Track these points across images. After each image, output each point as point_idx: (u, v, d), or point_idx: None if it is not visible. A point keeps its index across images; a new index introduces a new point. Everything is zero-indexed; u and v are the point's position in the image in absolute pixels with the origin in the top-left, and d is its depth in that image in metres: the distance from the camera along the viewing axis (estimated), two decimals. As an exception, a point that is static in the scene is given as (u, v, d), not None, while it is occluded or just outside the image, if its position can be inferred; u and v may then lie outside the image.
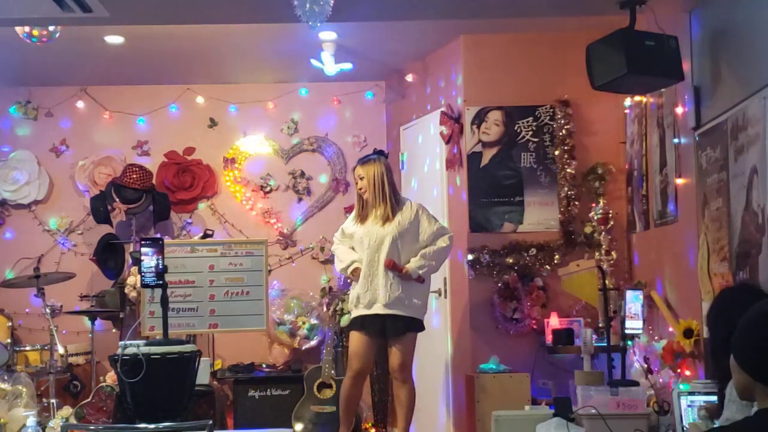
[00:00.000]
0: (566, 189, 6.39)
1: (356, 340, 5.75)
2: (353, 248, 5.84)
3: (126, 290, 6.77)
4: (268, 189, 7.78)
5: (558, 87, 6.45)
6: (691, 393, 4.24)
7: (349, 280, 5.92)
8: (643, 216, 6.00)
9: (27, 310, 7.44)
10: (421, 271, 5.69)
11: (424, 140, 7.15)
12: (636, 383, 5.07)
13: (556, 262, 6.36)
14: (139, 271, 5.04)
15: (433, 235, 5.77)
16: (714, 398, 4.11)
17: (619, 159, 6.48)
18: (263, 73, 7.54)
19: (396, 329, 5.67)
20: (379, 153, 5.97)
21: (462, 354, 6.50)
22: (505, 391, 5.86)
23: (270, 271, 6.58)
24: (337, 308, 6.90)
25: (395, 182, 5.95)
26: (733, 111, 4.50)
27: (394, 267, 5.66)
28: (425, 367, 6.97)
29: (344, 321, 6.71)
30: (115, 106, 7.75)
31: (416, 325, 5.74)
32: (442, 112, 6.74)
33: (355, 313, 5.78)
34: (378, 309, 5.65)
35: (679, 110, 5.28)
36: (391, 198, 5.77)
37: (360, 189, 5.81)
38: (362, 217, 5.82)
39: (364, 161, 5.87)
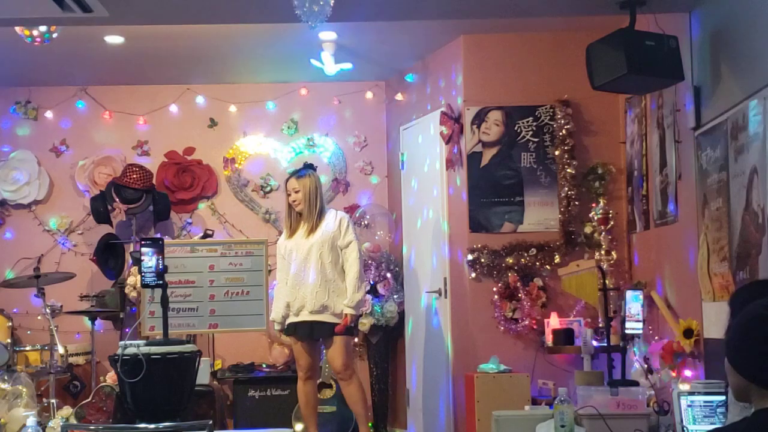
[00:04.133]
0: (566, 189, 6.39)
1: (293, 343, 6.02)
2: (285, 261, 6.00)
3: (126, 290, 6.77)
4: (268, 189, 7.78)
5: (558, 87, 6.45)
6: (691, 393, 4.24)
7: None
8: (643, 216, 6.00)
9: (27, 310, 7.44)
10: (359, 308, 5.93)
11: (424, 140, 7.15)
12: (636, 383, 5.07)
13: (556, 262, 6.36)
14: (139, 271, 5.04)
15: (343, 245, 5.93)
16: (715, 398, 4.12)
17: (619, 159, 6.48)
18: (263, 73, 7.54)
19: (323, 333, 5.90)
20: (310, 167, 6.12)
21: (462, 354, 6.50)
22: (505, 391, 5.86)
23: (270, 271, 6.58)
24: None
25: (323, 196, 6.11)
26: (733, 111, 4.50)
27: (344, 328, 5.86)
28: (425, 367, 6.98)
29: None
30: (115, 106, 7.75)
31: (345, 329, 5.89)
32: (442, 112, 6.74)
33: (288, 320, 5.96)
34: (305, 316, 5.88)
35: (679, 110, 5.28)
36: (320, 211, 5.96)
37: (294, 201, 5.96)
38: (292, 231, 6.00)
39: (299, 175, 6.01)
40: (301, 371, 5.97)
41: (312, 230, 5.90)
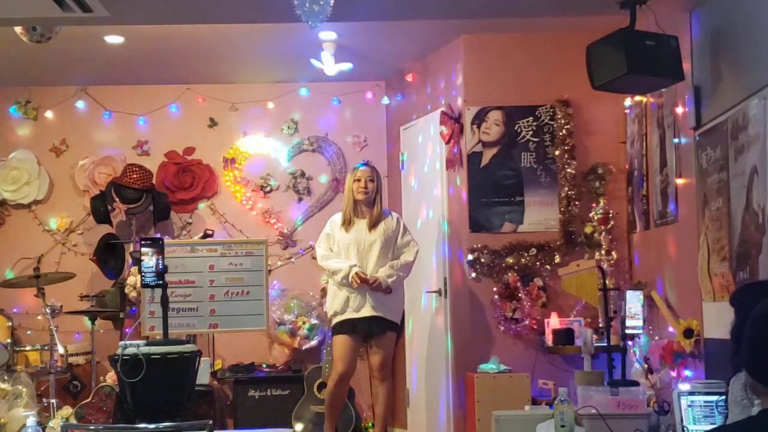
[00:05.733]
0: (566, 189, 6.39)
1: (343, 343, 6.00)
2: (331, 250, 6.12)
3: (126, 290, 6.77)
4: (268, 189, 7.78)
5: (558, 87, 6.45)
6: (691, 393, 4.24)
7: (344, 286, 6.06)
8: (643, 216, 6.00)
9: (27, 310, 7.44)
10: (390, 280, 5.99)
11: (424, 140, 7.15)
12: (636, 383, 5.07)
13: (556, 262, 6.36)
14: (139, 271, 5.04)
15: (402, 245, 6.11)
16: (715, 398, 4.12)
17: (619, 159, 6.47)
18: (263, 73, 7.54)
19: (379, 330, 6.00)
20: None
21: (462, 354, 6.50)
22: (505, 391, 5.86)
23: (270, 271, 6.58)
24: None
25: None
26: (733, 111, 4.50)
27: (363, 281, 5.92)
28: (425, 367, 6.98)
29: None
30: (115, 106, 7.75)
31: (395, 327, 6.10)
32: (442, 112, 6.74)
33: (342, 317, 6.01)
34: (367, 312, 5.97)
35: (679, 110, 5.28)
36: (381, 206, 6.15)
37: (366, 189, 6.04)
38: (348, 223, 6.07)
39: (372, 166, 6.21)
40: (337, 374, 6.00)
41: (375, 225, 6.03)
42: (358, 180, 6.07)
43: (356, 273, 5.93)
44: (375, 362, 6.04)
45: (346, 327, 5.99)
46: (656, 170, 5.72)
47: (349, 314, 5.98)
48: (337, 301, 6.04)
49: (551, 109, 6.49)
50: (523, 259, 6.41)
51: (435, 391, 6.80)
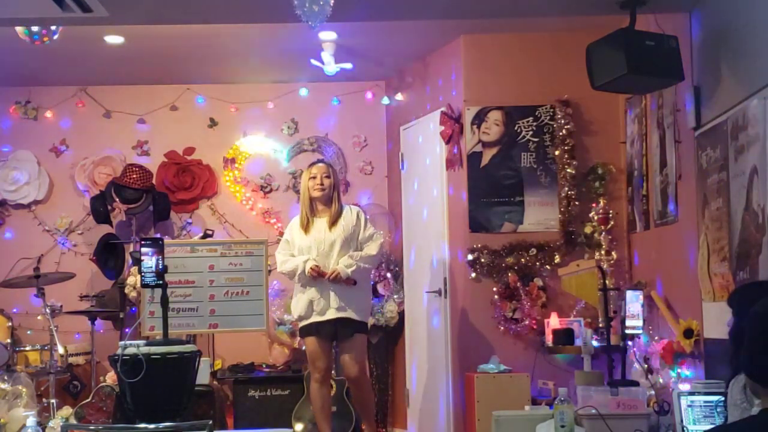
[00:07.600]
0: (566, 189, 6.39)
1: (312, 343, 5.83)
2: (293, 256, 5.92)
3: (126, 290, 6.77)
4: (268, 189, 7.79)
5: (558, 87, 6.45)
6: (691, 393, 4.24)
7: (305, 285, 5.86)
8: (643, 216, 6.00)
9: (27, 310, 7.43)
10: (350, 270, 5.75)
11: (424, 140, 7.15)
12: (636, 383, 5.07)
13: (556, 262, 6.37)
14: (139, 271, 5.03)
15: (364, 240, 5.88)
16: (715, 398, 4.13)
17: (619, 159, 6.48)
18: (263, 73, 7.54)
19: (346, 332, 5.79)
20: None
21: (462, 354, 6.50)
22: (505, 391, 5.86)
23: (270, 271, 6.58)
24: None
25: None
26: (733, 111, 4.50)
27: (320, 274, 5.73)
28: (425, 367, 6.98)
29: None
30: (115, 106, 7.76)
31: (364, 327, 5.87)
32: (442, 112, 6.75)
33: (307, 321, 5.83)
34: (331, 314, 5.77)
35: (679, 110, 5.28)
36: (340, 203, 5.92)
37: (322, 186, 5.84)
38: (306, 225, 5.86)
39: (328, 163, 6.05)
40: (318, 373, 5.84)
41: (334, 223, 5.83)
42: (314, 177, 5.85)
43: (311, 266, 5.73)
44: (349, 372, 5.84)
45: (312, 330, 5.82)
46: (656, 170, 5.72)
47: (314, 318, 5.79)
48: (301, 305, 5.84)
49: (551, 109, 6.49)
50: (523, 259, 6.41)
51: (435, 391, 6.80)
